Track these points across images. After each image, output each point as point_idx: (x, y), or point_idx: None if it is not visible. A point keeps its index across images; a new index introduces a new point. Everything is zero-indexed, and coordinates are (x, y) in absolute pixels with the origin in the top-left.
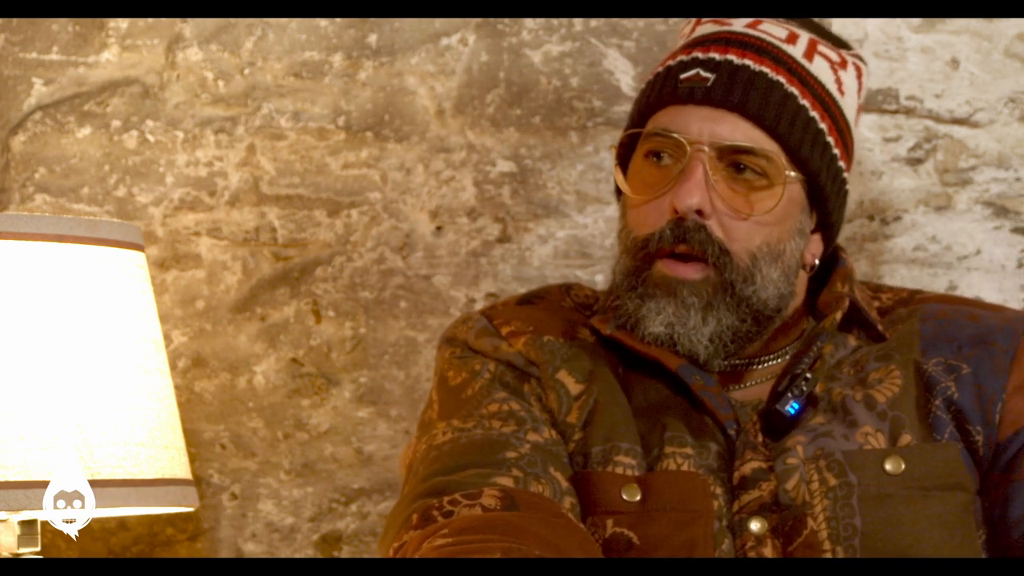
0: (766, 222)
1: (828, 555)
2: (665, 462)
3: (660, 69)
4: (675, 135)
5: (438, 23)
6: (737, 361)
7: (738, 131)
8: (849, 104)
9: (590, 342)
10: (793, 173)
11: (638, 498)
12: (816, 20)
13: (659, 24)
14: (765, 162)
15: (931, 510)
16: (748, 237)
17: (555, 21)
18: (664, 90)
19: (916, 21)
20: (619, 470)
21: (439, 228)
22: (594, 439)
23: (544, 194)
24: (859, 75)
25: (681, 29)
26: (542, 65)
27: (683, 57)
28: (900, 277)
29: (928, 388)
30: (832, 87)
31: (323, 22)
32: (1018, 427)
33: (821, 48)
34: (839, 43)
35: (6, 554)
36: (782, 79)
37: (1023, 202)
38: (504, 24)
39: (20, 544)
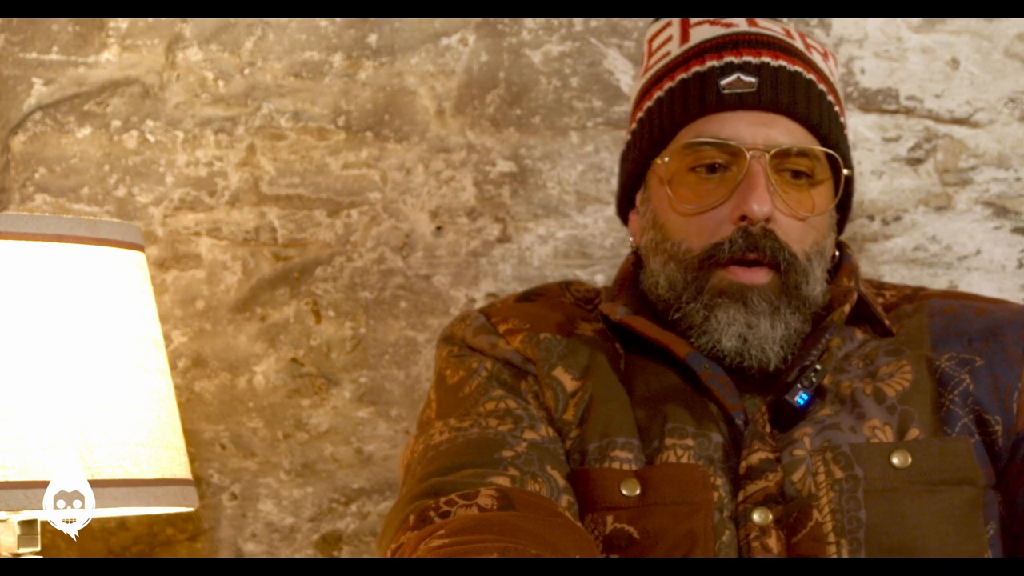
0: (816, 223)
1: (833, 547)
2: (665, 454)
3: (686, 75)
4: (732, 142)
5: (438, 23)
6: None
7: (791, 134)
8: (841, 95)
9: (588, 336)
10: (847, 171)
11: (637, 492)
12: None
13: None
14: (815, 162)
15: (937, 504)
16: (803, 238)
17: (555, 21)
18: (706, 98)
19: (916, 21)
20: (616, 465)
21: (439, 228)
22: (590, 435)
23: (544, 194)
24: (835, 65)
25: (660, 29)
26: (542, 65)
27: (714, 62)
28: (900, 277)
29: (942, 384)
30: (833, 79)
31: (323, 22)
32: None
33: (809, 41)
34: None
35: (6, 554)
36: (813, 77)
37: (1023, 202)
38: (504, 24)
39: (20, 544)
